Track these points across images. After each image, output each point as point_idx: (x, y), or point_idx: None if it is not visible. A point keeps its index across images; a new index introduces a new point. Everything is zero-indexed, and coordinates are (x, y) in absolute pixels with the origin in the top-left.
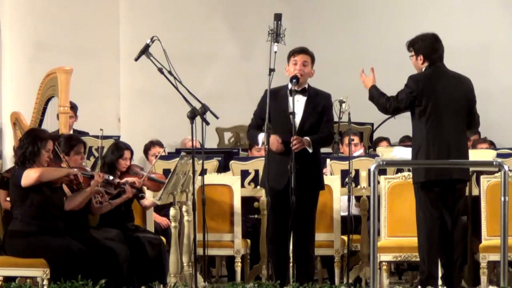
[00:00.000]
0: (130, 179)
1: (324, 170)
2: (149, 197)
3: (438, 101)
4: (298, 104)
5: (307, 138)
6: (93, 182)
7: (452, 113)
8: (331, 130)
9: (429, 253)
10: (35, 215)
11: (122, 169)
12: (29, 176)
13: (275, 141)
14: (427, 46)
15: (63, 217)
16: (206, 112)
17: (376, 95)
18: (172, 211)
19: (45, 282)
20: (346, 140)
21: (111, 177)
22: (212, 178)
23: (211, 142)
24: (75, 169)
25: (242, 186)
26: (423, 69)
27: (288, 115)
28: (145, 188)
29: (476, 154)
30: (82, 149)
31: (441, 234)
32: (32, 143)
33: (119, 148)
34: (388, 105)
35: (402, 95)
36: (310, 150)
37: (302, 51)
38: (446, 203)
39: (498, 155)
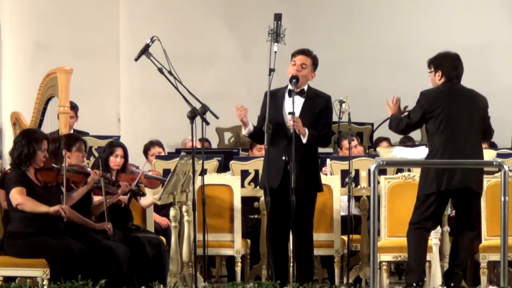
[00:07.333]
0: (123, 182)
1: (324, 170)
2: (148, 195)
3: (451, 115)
4: (296, 105)
5: (305, 128)
6: (89, 180)
7: (466, 128)
8: (329, 132)
9: (416, 258)
10: (33, 217)
11: (114, 167)
12: (13, 197)
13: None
14: (448, 63)
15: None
16: (206, 112)
17: (393, 119)
18: (172, 211)
19: (45, 282)
20: (345, 144)
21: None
22: (212, 178)
23: (211, 142)
24: (57, 206)
25: (242, 186)
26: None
27: (282, 115)
28: (142, 186)
29: None
30: (83, 146)
31: (457, 231)
32: (27, 144)
33: (111, 145)
34: (400, 123)
35: (413, 111)
36: (304, 140)
37: (302, 52)
38: (461, 207)
39: (498, 155)
